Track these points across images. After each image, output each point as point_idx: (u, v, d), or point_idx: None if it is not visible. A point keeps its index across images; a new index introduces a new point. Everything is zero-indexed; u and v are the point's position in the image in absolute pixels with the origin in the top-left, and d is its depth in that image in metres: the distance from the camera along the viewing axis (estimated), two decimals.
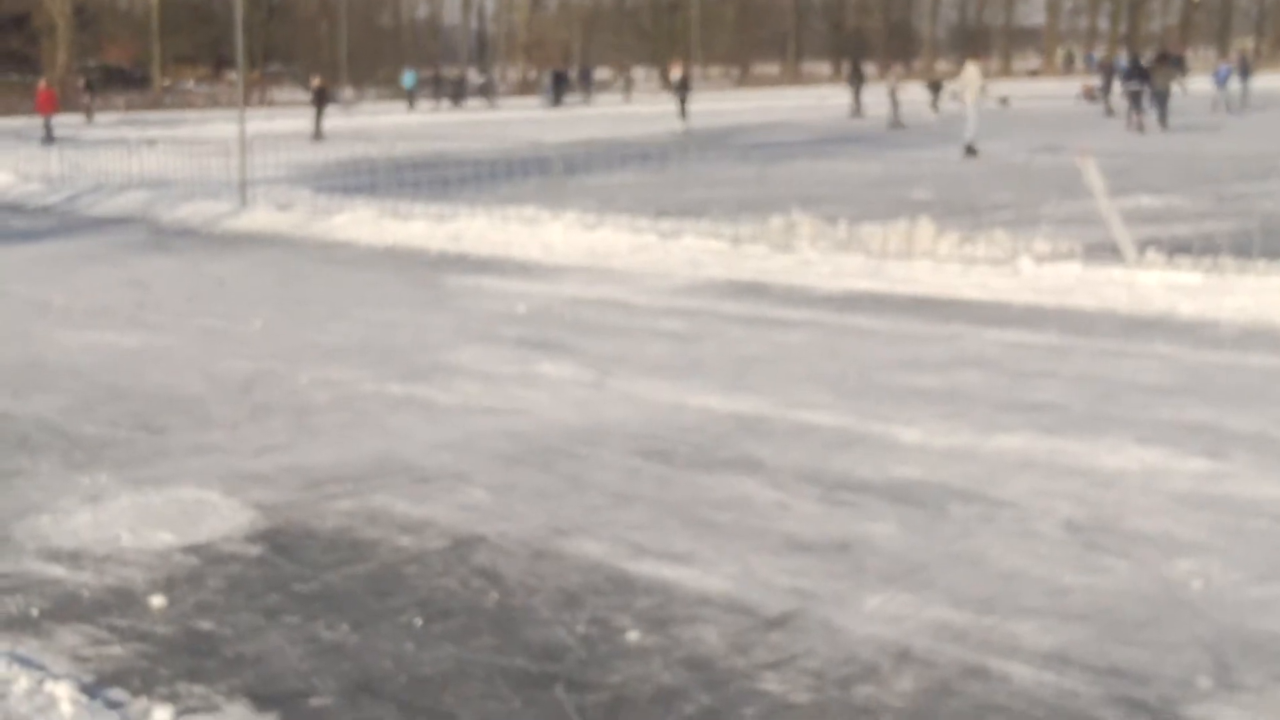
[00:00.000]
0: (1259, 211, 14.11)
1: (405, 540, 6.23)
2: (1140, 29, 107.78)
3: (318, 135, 36.44)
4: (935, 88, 48.74)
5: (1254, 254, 12.40)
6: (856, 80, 49.54)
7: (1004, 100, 30.29)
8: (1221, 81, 45.12)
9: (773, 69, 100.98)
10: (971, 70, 30.25)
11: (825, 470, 7.20)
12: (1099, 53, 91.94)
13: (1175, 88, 36.59)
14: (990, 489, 6.84)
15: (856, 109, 47.67)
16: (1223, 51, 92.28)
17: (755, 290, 13.12)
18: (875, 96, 49.78)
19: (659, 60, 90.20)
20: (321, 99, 41.16)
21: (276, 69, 77.32)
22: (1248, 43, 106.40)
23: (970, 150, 27.96)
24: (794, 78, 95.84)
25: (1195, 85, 44.50)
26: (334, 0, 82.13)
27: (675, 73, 70.63)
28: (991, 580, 5.63)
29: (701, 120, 43.80)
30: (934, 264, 13.52)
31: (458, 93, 69.62)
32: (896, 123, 40.27)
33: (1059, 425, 7.98)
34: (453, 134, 36.42)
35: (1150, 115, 35.66)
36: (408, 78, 67.08)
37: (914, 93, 46.23)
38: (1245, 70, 47.09)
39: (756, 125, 42.77)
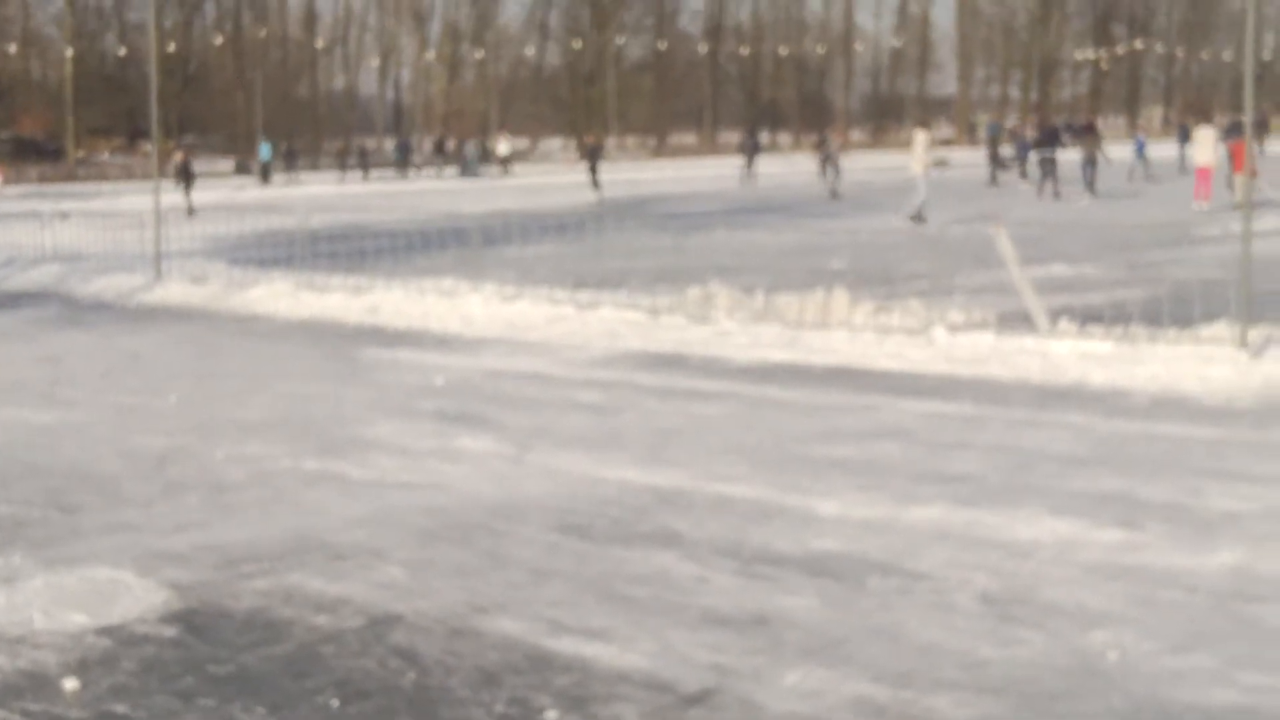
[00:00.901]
0: (1170, 279, 14.33)
1: (321, 619, 6.18)
2: (1051, 98, 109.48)
3: (190, 211, 34.59)
4: (825, 161, 49.58)
5: (1164, 322, 12.57)
6: (751, 149, 50.36)
7: (942, 162, 30.94)
8: (1139, 150, 45.55)
9: (690, 139, 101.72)
10: (920, 139, 30.66)
11: (743, 543, 7.22)
12: (1010, 121, 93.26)
13: (1100, 156, 37.24)
14: (908, 561, 6.88)
15: (748, 176, 48.35)
16: (1132, 120, 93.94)
17: (673, 362, 13.17)
18: (770, 167, 50.43)
19: (576, 130, 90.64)
20: (187, 173, 39.71)
21: (192, 140, 76.89)
22: (1156, 111, 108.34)
23: (918, 218, 28.19)
24: (711, 147, 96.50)
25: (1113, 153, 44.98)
26: (250, 71, 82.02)
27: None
28: (909, 653, 5.66)
29: (619, 190, 44.01)
30: (850, 334, 13.61)
31: (358, 164, 68.59)
32: (835, 192, 40.04)
33: (975, 496, 8.05)
34: (368, 205, 36.36)
35: (1065, 184, 36.13)
36: (264, 149, 64.94)
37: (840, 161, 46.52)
38: (1184, 137, 47.38)
39: (674, 195, 42.99)
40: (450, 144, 75.33)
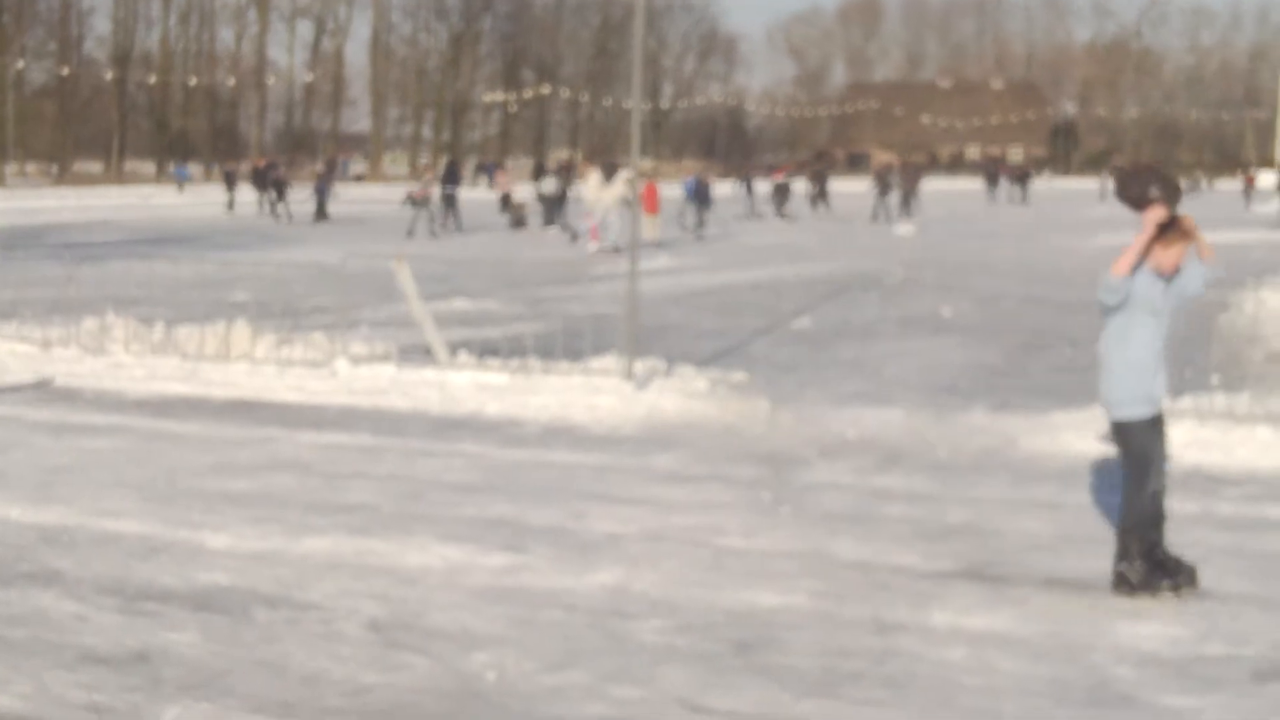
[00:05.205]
0: (564, 314, 14.87)
1: None
2: (463, 138, 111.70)
3: None
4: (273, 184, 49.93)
5: (558, 355, 12.99)
6: (279, 184, 49.64)
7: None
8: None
9: (96, 167, 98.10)
10: (621, 178, 30.97)
11: (127, 580, 7.01)
12: (425, 159, 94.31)
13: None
14: (297, 592, 6.85)
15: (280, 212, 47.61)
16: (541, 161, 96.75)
17: (65, 396, 12.66)
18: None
19: None
20: None
21: None
22: (564, 153, 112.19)
23: (617, 249, 28.76)
24: (118, 177, 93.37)
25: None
26: None
27: None
28: (293, 684, 5.63)
29: (14, 218, 41.99)
30: (251, 366, 13.44)
31: None
32: (518, 223, 40.10)
33: (368, 525, 8.10)
34: None
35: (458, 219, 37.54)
36: None
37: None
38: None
39: (74, 224, 41.28)
40: None
